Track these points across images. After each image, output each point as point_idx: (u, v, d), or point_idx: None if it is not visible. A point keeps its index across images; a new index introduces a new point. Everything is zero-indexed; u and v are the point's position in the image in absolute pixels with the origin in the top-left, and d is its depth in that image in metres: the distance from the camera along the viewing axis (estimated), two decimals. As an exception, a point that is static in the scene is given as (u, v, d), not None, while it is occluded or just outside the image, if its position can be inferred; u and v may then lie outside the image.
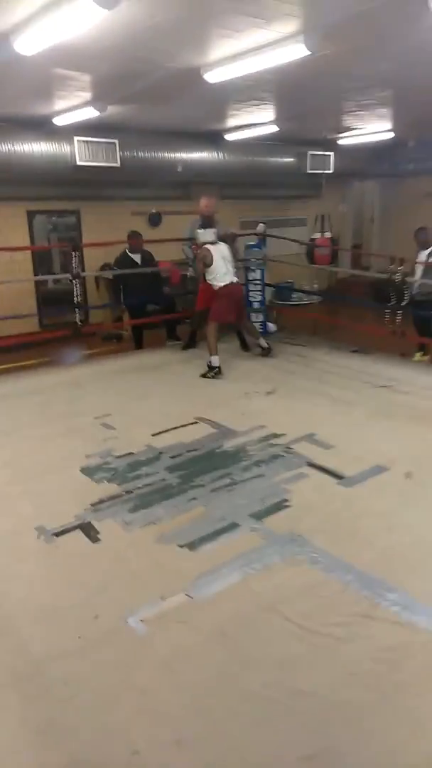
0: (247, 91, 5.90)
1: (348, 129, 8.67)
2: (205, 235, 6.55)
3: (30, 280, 8.12)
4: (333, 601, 2.65)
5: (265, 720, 2.07)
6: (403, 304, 6.16)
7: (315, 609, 2.60)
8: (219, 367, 5.99)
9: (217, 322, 6.23)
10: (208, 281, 6.21)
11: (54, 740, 2.02)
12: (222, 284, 6.17)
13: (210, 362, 6.02)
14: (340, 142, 9.42)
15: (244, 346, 6.94)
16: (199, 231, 6.72)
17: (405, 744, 1.98)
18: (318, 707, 2.11)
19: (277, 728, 2.03)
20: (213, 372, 5.97)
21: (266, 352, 6.62)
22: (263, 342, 6.69)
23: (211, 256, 6.13)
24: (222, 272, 6.19)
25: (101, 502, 3.59)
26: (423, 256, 6.71)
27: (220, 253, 6.22)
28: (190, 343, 7.03)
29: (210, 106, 6.66)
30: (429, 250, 6.72)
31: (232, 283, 6.27)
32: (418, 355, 6.97)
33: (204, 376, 5.98)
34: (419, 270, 6.65)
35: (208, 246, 6.22)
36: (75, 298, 6.59)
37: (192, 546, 3.09)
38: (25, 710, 2.15)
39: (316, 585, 2.76)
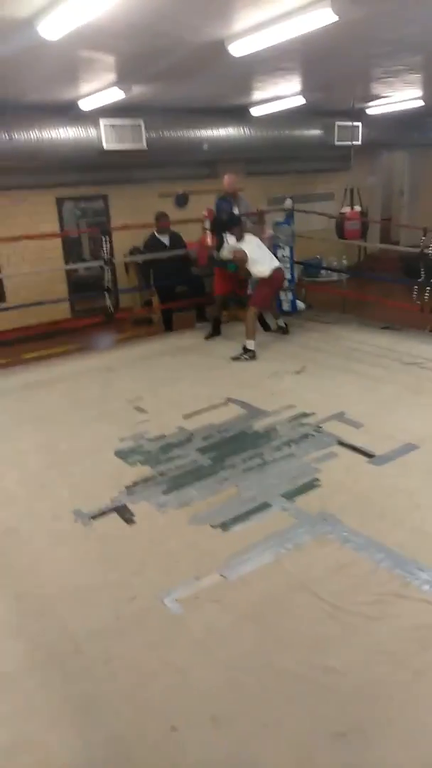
0: (272, 62, 5.74)
1: (376, 97, 8.41)
2: (230, 240, 6.30)
3: (60, 269, 8.19)
4: (364, 580, 2.68)
5: (297, 697, 2.13)
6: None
7: (346, 588, 2.64)
8: (254, 351, 5.96)
9: (260, 307, 6.26)
10: (256, 274, 6.15)
11: (95, 717, 2.12)
12: (269, 271, 6.11)
13: (246, 345, 5.97)
14: (368, 111, 9.15)
15: (265, 326, 6.87)
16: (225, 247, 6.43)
17: (436, 722, 2.01)
18: (349, 685, 2.16)
19: (310, 705, 2.09)
20: (248, 354, 5.94)
21: (285, 331, 6.65)
22: (282, 321, 6.73)
23: (245, 253, 6.07)
24: (262, 259, 6.14)
25: (135, 484, 3.67)
26: None
27: (251, 243, 6.17)
28: (215, 332, 6.90)
29: (235, 80, 6.52)
30: None
31: (277, 269, 6.23)
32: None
33: (237, 358, 5.95)
34: None
35: (237, 248, 6.13)
36: (105, 283, 6.64)
37: (225, 526, 3.16)
38: (67, 688, 2.25)
39: (347, 564, 2.79)
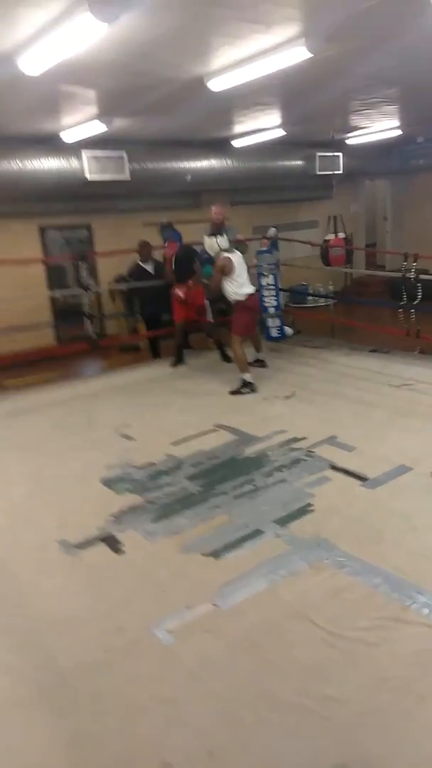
0: (251, 96, 5.89)
1: (355, 128, 8.63)
2: (220, 242, 6.28)
3: (43, 296, 8.18)
4: (361, 605, 2.61)
5: (296, 728, 2.03)
6: (416, 302, 6.06)
7: (343, 614, 2.56)
8: (253, 383, 5.74)
9: (242, 336, 5.93)
10: (229, 294, 5.82)
11: (86, 753, 2.02)
12: (244, 295, 5.80)
13: (243, 377, 5.74)
14: (348, 141, 9.37)
15: (225, 358, 6.74)
16: (208, 238, 6.52)
17: (441, 750, 1.93)
18: (349, 714, 2.07)
19: (309, 737, 2.00)
20: (249, 387, 5.70)
21: (263, 365, 6.42)
22: (261, 355, 6.52)
23: (232, 264, 5.73)
24: (243, 281, 5.82)
25: (123, 513, 3.59)
26: None
27: (238, 260, 5.85)
28: (179, 359, 6.80)
29: (215, 114, 6.66)
30: None
31: (252, 294, 5.94)
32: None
33: (237, 392, 5.69)
34: None
35: (225, 254, 5.83)
36: (86, 309, 6.64)
37: (216, 554, 3.07)
38: (55, 723, 2.14)
39: (344, 589, 2.72)
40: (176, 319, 6.76)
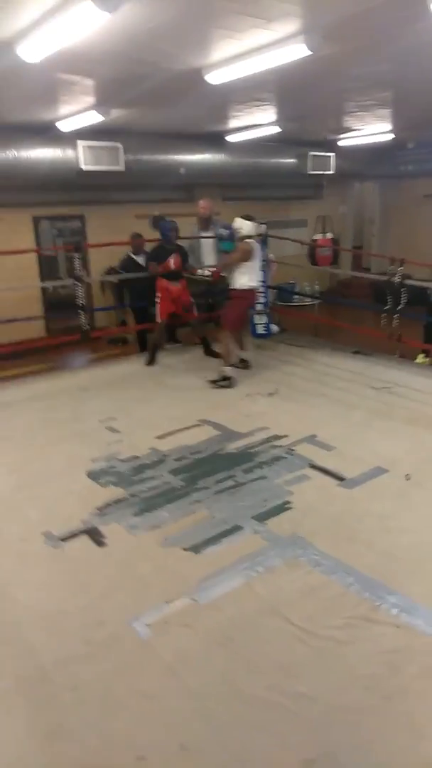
0: (248, 91, 5.91)
1: (348, 130, 8.68)
2: (249, 227, 5.87)
3: (35, 286, 8.15)
4: (334, 604, 2.69)
5: (267, 724, 2.11)
6: (399, 307, 6.16)
7: (316, 612, 2.64)
8: (232, 378, 5.79)
9: (234, 331, 5.90)
10: (237, 283, 5.78)
11: (61, 746, 2.07)
12: (250, 286, 5.83)
13: (223, 371, 5.80)
14: (340, 143, 9.44)
15: (209, 353, 6.69)
16: (240, 219, 5.92)
17: (405, 749, 2.02)
18: (319, 711, 2.15)
19: (280, 732, 2.07)
20: (227, 382, 5.76)
21: (247, 366, 6.29)
22: (248, 354, 6.45)
23: (253, 253, 5.73)
24: (254, 273, 5.82)
25: (107, 506, 3.63)
26: None
27: (257, 251, 5.85)
28: (152, 359, 6.67)
29: (212, 108, 6.68)
30: None
31: (255, 289, 5.98)
32: (420, 357, 6.97)
33: (215, 383, 5.77)
34: None
35: (250, 242, 5.76)
36: (78, 301, 6.64)
37: (196, 549, 3.14)
38: (32, 716, 2.19)
39: (318, 587, 2.80)
40: (161, 316, 6.59)
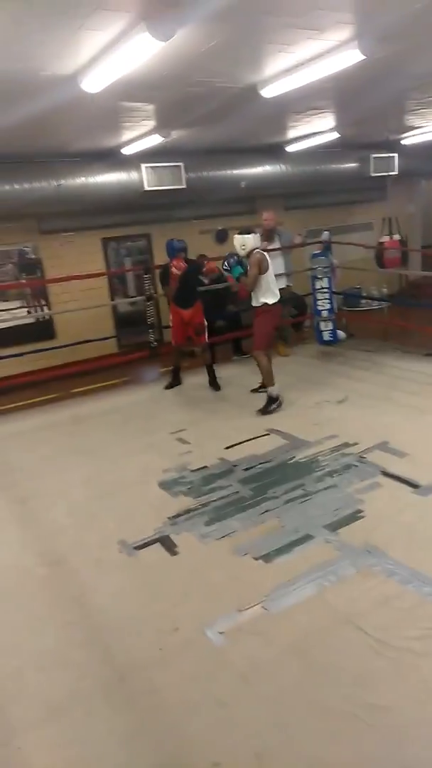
0: (305, 101, 5.90)
1: (411, 128, 8.48)
2: (254, 240, 5.48)
3: (105, 305, 8.43)
4: (411, 614, 2.62)
5: (343, 735, 2.08)
6: None
7: (392, 622, 2.58)
8: (278, 397, 5.48)
9: (265, 350, 5.57)
10: (257, 298, 5.43)
11: (140, 749, 2.13)
12: (273, 300, 5.44)
13: (269, 393, 5.47)
14: (403, 142, 9.22)
15: (213, 383, 6.39)
16: (239, 236, 5.51)
17: None
18: (397, 723, 2.10)
19: (356, 744, 2.05)
20: (276, 403, 5.45)
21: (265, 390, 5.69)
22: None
23: (267, 262, 5.39)
24: (272, 284, 5.45)
25: (178, 515, 3.72)
26: None
27: (269, 259, 5.49)
28: (175, 382, 6.60)
29: (269, 120, 6.71)
30: None
31: (280, 301, 5.58)
32: None
33: (266, 411, 5.38)
34: None
35: (258, 249, 5.43)
36: (149, 317, 6.83)
37: (267, 558, 3.15)
38: (112, 718, 2.27)
39: (393, 597, 2.74)
40: (174, 341, 6.50)
